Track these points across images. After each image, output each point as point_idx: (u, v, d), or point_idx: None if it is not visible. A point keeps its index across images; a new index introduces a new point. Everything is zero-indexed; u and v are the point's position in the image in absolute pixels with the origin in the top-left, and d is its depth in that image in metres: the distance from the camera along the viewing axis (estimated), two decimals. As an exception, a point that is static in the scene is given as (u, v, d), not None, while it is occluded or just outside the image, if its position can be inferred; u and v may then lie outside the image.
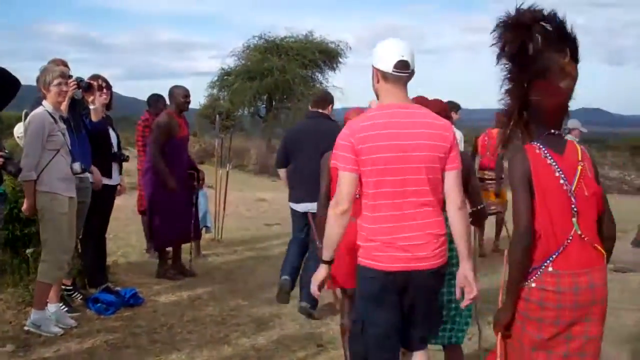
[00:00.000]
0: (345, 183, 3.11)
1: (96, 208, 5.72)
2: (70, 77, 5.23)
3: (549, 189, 2.83)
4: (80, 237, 5.69)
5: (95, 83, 5.71)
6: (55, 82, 5.00)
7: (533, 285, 2.83)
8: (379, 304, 3.16)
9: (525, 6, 2.91)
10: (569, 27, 2.95)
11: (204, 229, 8.19)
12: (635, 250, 9.30)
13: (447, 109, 4.10)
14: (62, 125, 5.06)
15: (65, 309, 5.41)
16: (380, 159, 3.06)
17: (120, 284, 6.37)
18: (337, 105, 23.40)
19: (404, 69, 3.14)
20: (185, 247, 7.29)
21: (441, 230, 3.18)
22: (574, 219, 2.82)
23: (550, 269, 2.80)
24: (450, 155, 3.16)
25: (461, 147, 5.77)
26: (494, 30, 2.99)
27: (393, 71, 3.13)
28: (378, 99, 3.30)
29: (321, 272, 3.30)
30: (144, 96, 7.37)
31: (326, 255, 3.27)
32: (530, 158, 2.87)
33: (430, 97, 4.06)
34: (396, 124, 3.10)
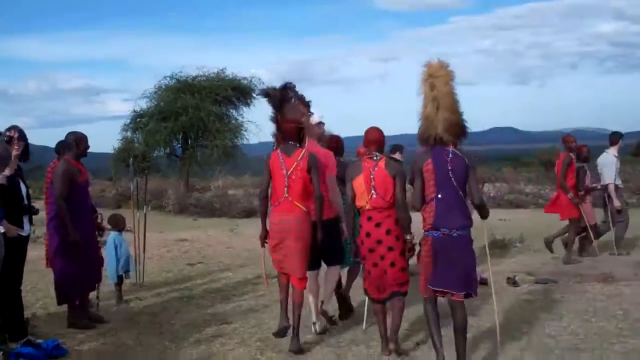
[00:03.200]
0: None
1: (9, 260, 5.48)
2: None
3: (276, 173, 5.58)
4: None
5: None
6: None
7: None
8: None
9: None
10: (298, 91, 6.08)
11: (124, 274, 7.95)
12: (557, 262, 9.60)
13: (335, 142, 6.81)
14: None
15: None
16: None
17: (42, 336, 6.09)
18: (253, 140, 23.00)
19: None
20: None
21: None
22: (285, 189, 5.54)
23: (274, 211, 5.67)
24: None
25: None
26: (263, 94, 6.20)
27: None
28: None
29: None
30: (54, 144, 7.19)
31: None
32: (272, 155, 5.67)
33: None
34: None
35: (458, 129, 4.90)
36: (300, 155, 5.55)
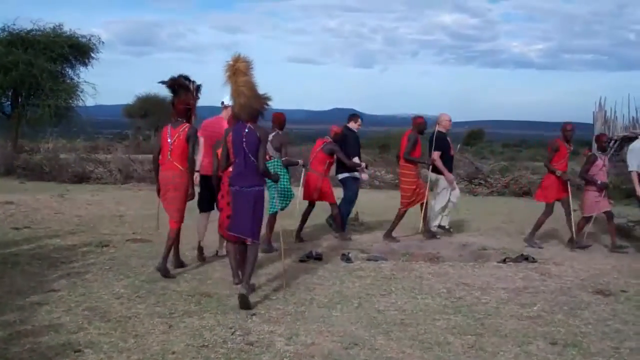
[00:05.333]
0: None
1: None
2: None
3: (164, 141, 7.15)
4: None
5: None
6: None
7: None
8: None
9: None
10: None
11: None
12: (387, 240, 9.96)
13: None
14: None
15: None
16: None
17: None
18: (90, 101, 21.91)
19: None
20: None
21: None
22: (168, 153, 7.09)
23: (161, 169, 7.22)
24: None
25: None
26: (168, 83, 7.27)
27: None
28: None
29: None
30: None
31: None
32: (164, 128, 7.27)
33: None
34: None
35: (254, 111, 6.37)
36: (182, 129, 7.16)
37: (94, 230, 10.06)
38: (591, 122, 29.68)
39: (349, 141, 10.18)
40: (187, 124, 7.24)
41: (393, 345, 5.19)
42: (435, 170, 10.22)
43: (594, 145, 11.99)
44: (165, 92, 7.52)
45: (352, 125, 10.37)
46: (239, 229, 6.33)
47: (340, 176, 10.24)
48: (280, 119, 8.99)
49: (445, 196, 10.32)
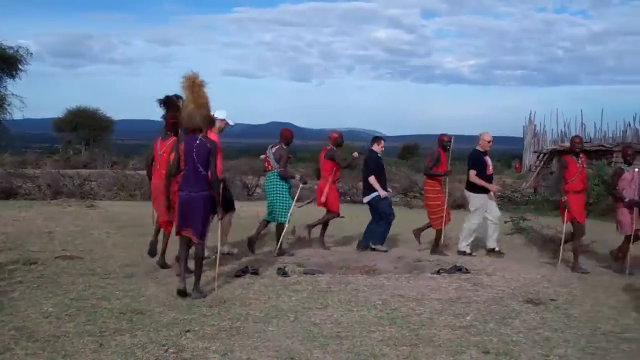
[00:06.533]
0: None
1: None
2: None
3: (156, 152, 8.11)
4: None
5: None
6: None
7: None
8: None
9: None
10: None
11: None
12: (325, 253, 9.98)
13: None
14: None
15: None
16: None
17: None
18: (17, 114, 21.36)
19: None
20: None
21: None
22: (158, 163, 7.98)
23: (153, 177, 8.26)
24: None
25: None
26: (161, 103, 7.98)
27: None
28: None
29: None
30: None
31: None
32: (157, 140, 8.18)
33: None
34: None
35: (204, 123, 7.06)
36: (170, 142, 7.85)
37: (21, 248, 9.74)
38: (521, 135, 30.50)
39: (369, 164, 10.54)
40: (174, 137, 7.82)
41: (329, 359, 5.18)
42: (470, 188, 10.31)
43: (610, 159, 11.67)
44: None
45: (376, 147, 10.64)
46: (186, 229, 6.98)
47: (366, 199, 10.57)
48: (285, 135, 9.83)
49: (478, 216, 10.29)
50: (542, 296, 7.50)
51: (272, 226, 10.10)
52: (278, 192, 9.73)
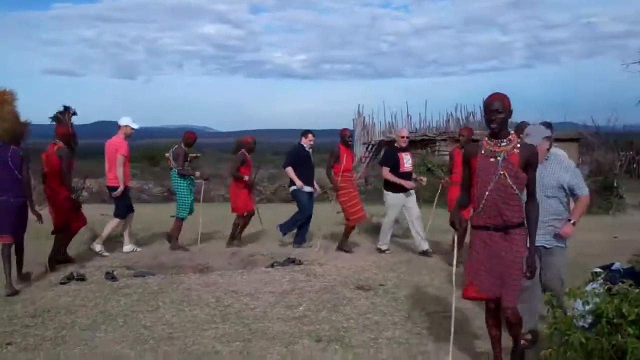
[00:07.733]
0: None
1: None
2: None
3: None
4: None
5: None
6: None
7: None
8: None
9: None
10: None
11: None
12: (155, 254, 9.70)
13: None
14: None
15: None
16: None
17: None
18: None
19: None
20: None
21: None
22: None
23: None
24: None
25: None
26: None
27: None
28: None
29: None
30: None
31: None
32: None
33: None
34: None
35: (15, 135, 7.47)
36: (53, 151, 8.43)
37: None
38: (352, 128, 31.44)
39: (289, 156, 10.62)
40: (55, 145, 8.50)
41: (160, 361, 5.06)
42: (386, 186, 9.95)
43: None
44: None
45: (304, 141, 10.54)
46: (4, 231, 7.24)
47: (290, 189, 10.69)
48: (185, 137, 10.45)
49: (393, 214, 9.91)
50: (371, 282, 7.76)
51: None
52: (178, 188, 10.25)
